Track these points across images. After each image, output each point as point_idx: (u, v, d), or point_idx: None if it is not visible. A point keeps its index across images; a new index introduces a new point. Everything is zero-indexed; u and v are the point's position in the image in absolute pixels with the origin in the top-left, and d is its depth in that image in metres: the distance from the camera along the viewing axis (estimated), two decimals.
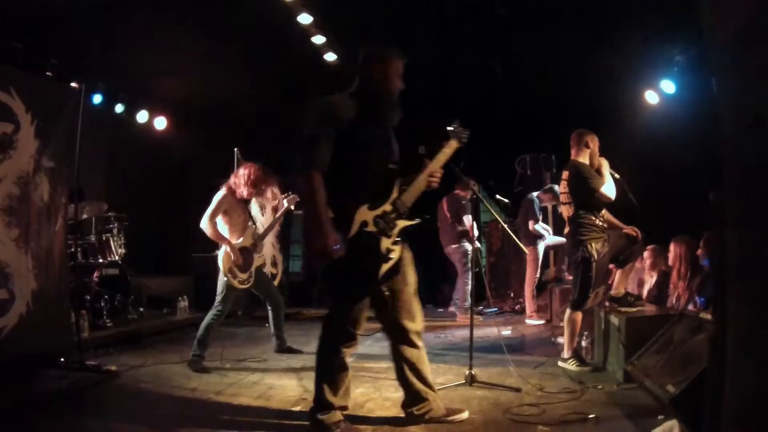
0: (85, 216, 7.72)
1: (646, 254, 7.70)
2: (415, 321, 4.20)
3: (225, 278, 6.34)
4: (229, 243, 6.36)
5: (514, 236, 7.82)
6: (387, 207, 3.82)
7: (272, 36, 9.24)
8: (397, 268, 3.86)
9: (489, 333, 8.01)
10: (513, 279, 11.30)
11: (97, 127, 8.59)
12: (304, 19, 8.84)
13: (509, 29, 9.03)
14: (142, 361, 6.43)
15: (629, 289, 7.69)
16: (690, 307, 6.52)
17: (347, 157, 3.64)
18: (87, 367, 5.78)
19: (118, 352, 6.86)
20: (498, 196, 11.46)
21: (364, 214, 3.73)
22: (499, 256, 11.99)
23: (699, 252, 6.64)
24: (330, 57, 10.07)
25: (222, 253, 6.35)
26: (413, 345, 4.21)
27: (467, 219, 9.87)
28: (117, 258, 8.09)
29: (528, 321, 9.26)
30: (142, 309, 8.70)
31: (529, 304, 9.46)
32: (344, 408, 4.10)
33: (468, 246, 9.82)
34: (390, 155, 3.94)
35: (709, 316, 4.73)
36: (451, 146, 4.25)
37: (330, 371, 4.02)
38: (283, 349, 7.04)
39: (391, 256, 3.77)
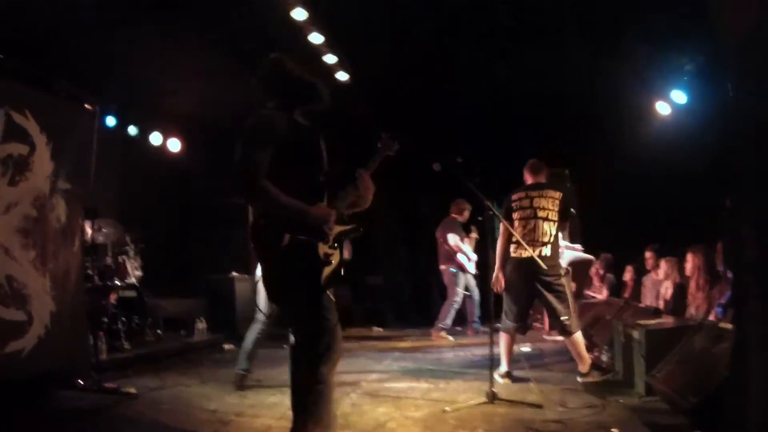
0: (100, 239, 7.71)
1: (662, 266, 7.65)
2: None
3: None
4: None
5: (531, 252, 7.74)
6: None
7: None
8: (339, 273, 3.70)
9: None
10: None
11: (111, 148, 8.63)
12: (316, 38, 8.87)
13: (517, 42, 9.02)
14: (161, 383, 6.40)
15: (648, 302, 7.67)
16: (710, 317, 6.46)
17: (282, 166, 3.54)
18: (105, 388, 5.76)
19: (136, 374, 6.82)
20: None
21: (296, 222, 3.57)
22: None
23: (717, 259, 6.57)
24: (342, 76, 10.09)
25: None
26: None
27: (451, 238, 9.93)
28: (134, 280, 8.10)
29: (547, 337, 9.18)
30: (159, 331, 8.67)
31: (549, 320, 9.38)
32: None
33: (456, 269, 10.05)
34: (321, 161, 3.83)
35: (729, 326, 4.69)
36: (380, 156, 4.17)
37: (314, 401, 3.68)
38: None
39: (331, 260, 3.63)
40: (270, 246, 3.52)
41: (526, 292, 6.25)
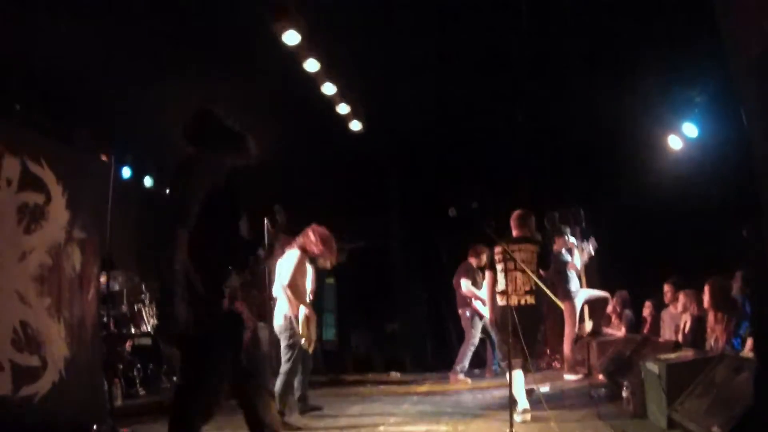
0: (116, 287, 7.76)
1: (679, 298, 7.59)
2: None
3: (299, 340, 6.60)
4: (308, 305, 6.68)
5: (549, 292, 7.72)
6: (248, 275, 3.66)
7: (297, 105, 9.40)
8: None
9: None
10: (548, 334, 11.12)
11: (126, 199, 8.73)
12: (329, 89, 8.99)
13: (529, 78, 9.09)
14: None
15: (667, 336, 7.58)
16: (722, 346, 6.38)
17: (210, 220, 3.41)
18: None
19: (151, 421, 6.75)
20: None
21: (234, 279, 3.51)
22: None
23: (734, 290, 6.49)
24: (355, 126, 10.21)
25: (302, 317, 6.57)
26: None
27: (464, 284, 9.92)
28: (149, 328, 8.11)
29: (566, 376, 9.05)
30: (174, 378, 8.63)
31: (568, 359, 9.27)
32: None
33: (471, 313, 10.01)
34: (240, 223, 3.69)
35: (749, 355, 4.62)
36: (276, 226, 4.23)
37: None
38: (306, 408, 7.01)
39: (248, 325, 3.59)
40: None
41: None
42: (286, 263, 6.79)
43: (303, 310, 6.63)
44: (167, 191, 3.58)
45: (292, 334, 6.63)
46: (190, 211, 3.32)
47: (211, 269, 3.40)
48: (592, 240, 9.33)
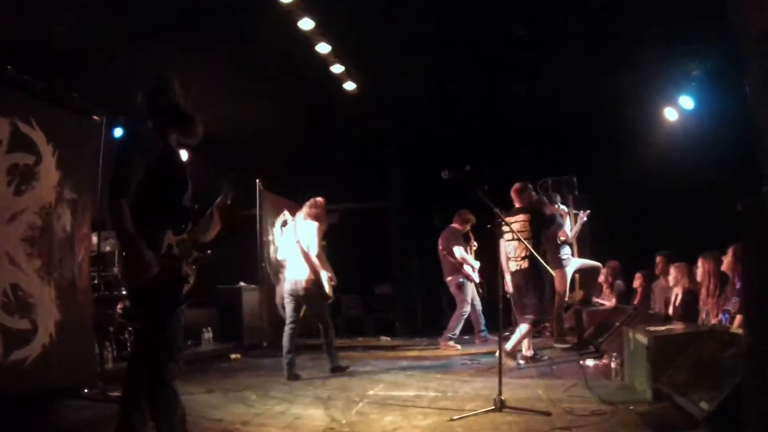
0: (108, 248, 7.72)
1: (671, 271, 7.61)
2: None
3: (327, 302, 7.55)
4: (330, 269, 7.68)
5: (541, 260, 7.73)
6: (185, 236, 3.88)
7: (292, 66, 9.30)
8: (194, 291, 3.92)
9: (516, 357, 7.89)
10: None
11: None
12: (323, 48, 8.88)
13: (527, 50, 9.01)
14: None
15: (657, 308, 7.66)
16: (713, 321, 6.40)
17: (150, 187, 3.66)
18: (111, 398, 5.71)
19: None
20: None
21: (170, 239, 3.76)
22: None
23: (724, 265, 6.47)
24: (349, 86, 10.11)
25: (326, 280, 7.40)
26: None
27: (457, 251, 9.92)
28: None
29: (555, 345, 9.11)
30: None
31: (558, 328, 9.33)
32: None
33: (464, 279, 10.06)
34: (187, 188, 3.97)
35: (739, 331, 4.63)
36: (222, 198, 4.39)
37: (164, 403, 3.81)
38: (334, 367, 7.55)
39: (190, 280, 3.86)
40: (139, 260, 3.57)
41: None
42: (308, 235, 7.42)
43: (326, 274, 7.44)
44: (115, 160, 3.72)
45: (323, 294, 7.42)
46: (130, 185, 3.54)
47: (152, 233, 3.64)
48: (584, 212, 9.32)
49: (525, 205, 7.87)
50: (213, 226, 4.19)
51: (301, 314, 7.54)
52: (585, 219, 9.21)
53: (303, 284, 7.35)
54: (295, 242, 7.45)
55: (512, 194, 7.95)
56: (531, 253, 7.42)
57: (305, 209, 7.65)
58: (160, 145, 3.78)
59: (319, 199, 7.70)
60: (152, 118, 3.88)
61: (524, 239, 7.31)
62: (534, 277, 7.60)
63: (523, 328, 7.55)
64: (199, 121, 4.03)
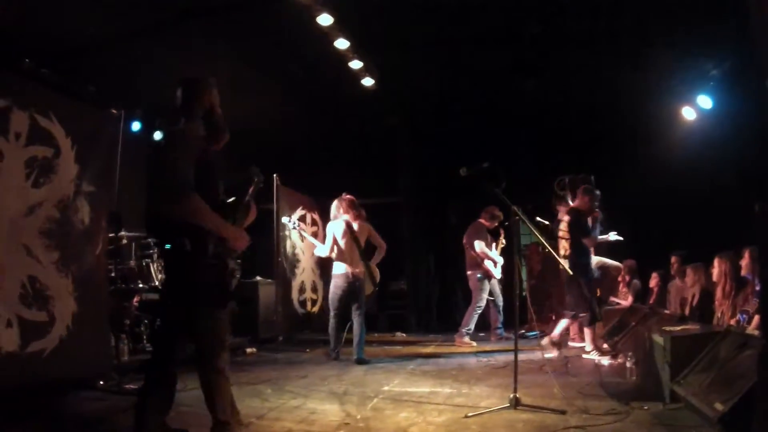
0: (125, 241, 7.75)
1: (687, 272, 7.56)
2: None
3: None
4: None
5: (558, 258, 7.70)
6: None
7: (309, 61, 9.29)
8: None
9: (532, 356, 7.87)
10: (554, 301, 11.14)
11: (135, 153, 8.67)
12: (341, 44, 8.86)
13: (543, 50, 8.96)
14: (182, 385, 6.30)
15: (672, 308, 7.62)
16: (732, 322, 6.35)
17: (198, 184, 3.77)
18: (126, 390, 5.76)
19: None
20: (538, 219, 11.32)
21: (215, 236, 3.86)
22: (540, 278, 11.84)
23: (743, 269, 6.43)
24: (367, 82, 10.08)
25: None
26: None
27: (477, 245, 9.88)
28: (157, 283, 8.11)
29: (571, 344, 9.07)
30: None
31: (573, 327, 9.28)
32: (239, 422, 4.20)
33: (482, 275, 10.04)
34: (219, 183, 4.09)
35: (755, 332, 4.60)
36: (254, 186, 4.46)
37: (217, 392, 4.01)
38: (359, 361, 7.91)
39: (236, 275, 4.01)
40: (193, 259, 3.77)
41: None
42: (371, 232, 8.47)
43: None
44: (160, 163, 3.86)
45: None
46: (190, 179, 3.71)
47: (196, 230, 3.77)
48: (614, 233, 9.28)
49: (581, 206, 8.19)
50: (250, 215, 4.28)
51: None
52: (612, 239, 9.13)
53: (359, 275, 8.19)
54: (354, 240, 8.21)
55: (578, 192, 8.40)
56: (570, 252, 7.96)
57: (353, 211, 8.34)
58: (200, 144, 3.89)
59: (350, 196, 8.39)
60: (188, 116, 3.96)
61: (563, 239, 8.03)
62: (572, 276, 7.75)
63: (586, 332, 7.99)
64: (227, 131, 4.18)
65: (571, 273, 8.50)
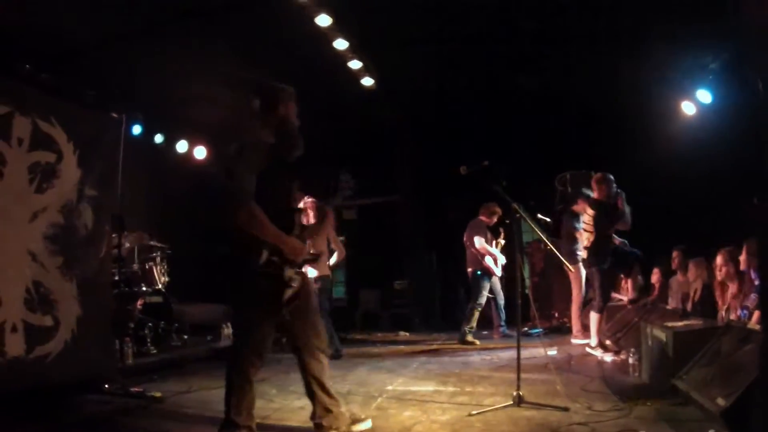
0: (127, 245, 7.78)
1: (690, 267, 7.56)
2: (320, 338, 4.49)
3: None
4: None
5: (560, 255, 7.69)
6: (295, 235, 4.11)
7: (308, 61, 9.30)
8: (299, 294, 4.18)
9: (535, 353, 7.87)
10: (556, 298, 11.15)
11: (137, 157, 8.70)
12: (340, 44, 8.87)
13: (541, 45, 8.97)
14: (187, 387, 6.42)
15: (674, 303, 7.62)
16: (733, 317, 6.36)
17: (258, 193, 3.86)
18: (131, 393, 5.80)
19: (161, 379, 6.86)
20: (540, 216, 11.32)
21: (271, 245, 3.94)
22: (542, 276, 11.85)
23: (742, 263, 6.43)
24: (367, 81, 10.09)
25: None
26: (318, 360, 4.45)
27: (477, 241, 9.87)
28: (160, 286, 8.16)
29: (573, 340, 9.08)
30: (185, 336, 8.73)
31: (576, 323, 9.28)
32: (249, 428, 4.18)
33: (481, 272, 10.01)
34: (291, 192, 4.21)
35: (756, 327, 4.61)
36: (337, 198, 4.62)
37: (235, 391, 4.14)
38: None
39: (293, 284, 4.07)
40: (247, 266, 3.92)
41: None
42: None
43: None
44: (227, 171, 3.95)
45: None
46: (250, 191, 3.81)
47: (254, 239, 3.89)
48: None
49: (602, 197, 8.04)
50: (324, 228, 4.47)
51: None
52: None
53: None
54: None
55: (592, 184, 8.23)
56: (591, 243, 7.99)
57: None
58: (267, 153, 3.95)
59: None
60: (261, 125, 4.12)
61: (588, 231, 8.05)
62: (593, 268, 8.00)
63: (592, 317, 8.08)
64: (300, 146, 4.21)
65: (572, 270, 8.56)
